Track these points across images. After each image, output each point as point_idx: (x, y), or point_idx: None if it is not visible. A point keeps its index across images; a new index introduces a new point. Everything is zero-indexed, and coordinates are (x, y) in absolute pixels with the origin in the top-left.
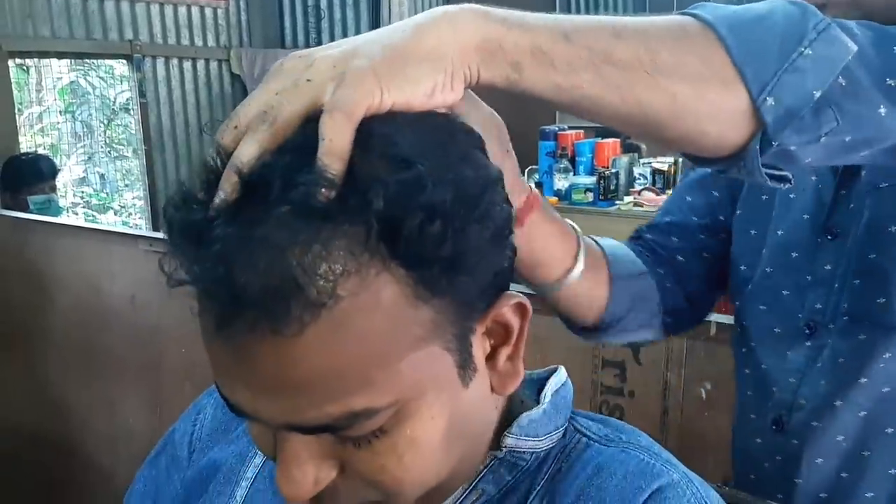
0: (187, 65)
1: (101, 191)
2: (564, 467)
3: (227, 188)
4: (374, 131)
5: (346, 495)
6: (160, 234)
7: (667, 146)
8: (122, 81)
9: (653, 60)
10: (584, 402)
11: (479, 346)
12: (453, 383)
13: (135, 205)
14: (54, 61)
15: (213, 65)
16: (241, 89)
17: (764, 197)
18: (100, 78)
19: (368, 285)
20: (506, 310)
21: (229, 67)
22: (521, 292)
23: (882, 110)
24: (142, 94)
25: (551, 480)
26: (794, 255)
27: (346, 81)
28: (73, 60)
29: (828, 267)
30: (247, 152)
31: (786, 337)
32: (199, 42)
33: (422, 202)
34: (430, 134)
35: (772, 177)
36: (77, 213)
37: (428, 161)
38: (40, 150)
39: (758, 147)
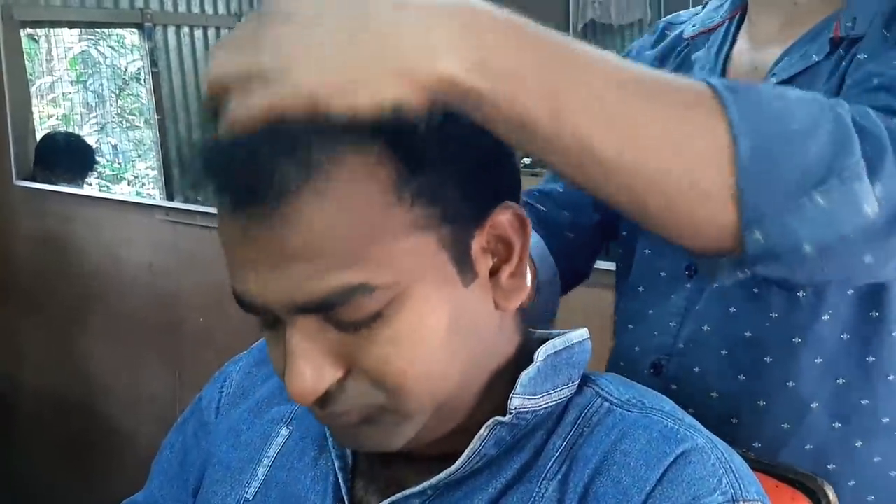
0: (198, 33)
1: (114, 161)
2: (586, 432)
3: None
4: None
5: (353, 398)
6: (175, 204)
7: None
8: (133, 51)
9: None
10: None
11: (481, 259)
12: (452, 280)
13: (148, 175)
14: (65, 31)
15: (225, 33)
16: None
17: None
18: (110, 47)
19: (355, 160)
20: (504, 219)
21: None
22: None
23: (868, 259)
24: (153, 63)
25: (572, 446)
26: None
27: None
28: (83, 30)
29: None
30: None
31: (671, 280)
32: (209, 10)
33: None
34: None
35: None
36: (91, 184)
37: None
38: (53, 121)
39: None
